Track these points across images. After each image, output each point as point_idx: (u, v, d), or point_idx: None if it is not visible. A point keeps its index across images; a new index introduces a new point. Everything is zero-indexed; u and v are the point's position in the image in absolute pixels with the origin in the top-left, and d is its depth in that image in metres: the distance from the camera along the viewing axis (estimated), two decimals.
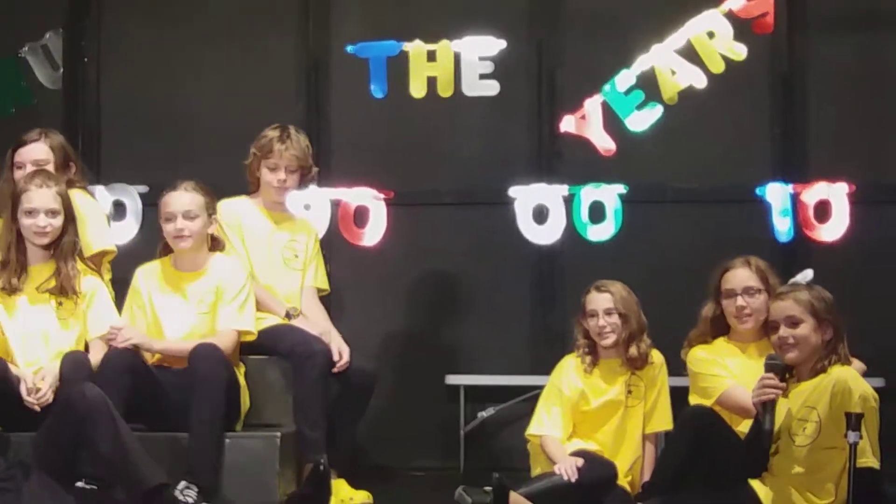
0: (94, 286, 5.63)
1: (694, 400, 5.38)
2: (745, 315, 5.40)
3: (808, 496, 4.82)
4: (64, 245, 5.58)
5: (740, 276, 5.44)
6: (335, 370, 5.81)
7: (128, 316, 5.70)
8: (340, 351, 5.83)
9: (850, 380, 4.82)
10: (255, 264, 6.02)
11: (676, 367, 5.66)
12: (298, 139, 6.09)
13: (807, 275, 5.04)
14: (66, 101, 7.55)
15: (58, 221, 5.58)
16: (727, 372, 5.35)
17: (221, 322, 5.63)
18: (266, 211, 6.12)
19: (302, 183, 6.17)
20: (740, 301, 5.40)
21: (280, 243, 6.11)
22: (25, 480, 5.17)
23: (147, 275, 5.74)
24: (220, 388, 5.38)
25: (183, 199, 5.65)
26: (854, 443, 4.53)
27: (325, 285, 6.27)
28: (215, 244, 5.79)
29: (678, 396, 5.68)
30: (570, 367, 5.71)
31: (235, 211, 6.06)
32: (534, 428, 5.68)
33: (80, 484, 5.19)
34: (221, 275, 5.68)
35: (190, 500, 5.18)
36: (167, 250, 5.78)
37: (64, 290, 5.55)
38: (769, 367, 4.86)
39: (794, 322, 4.92)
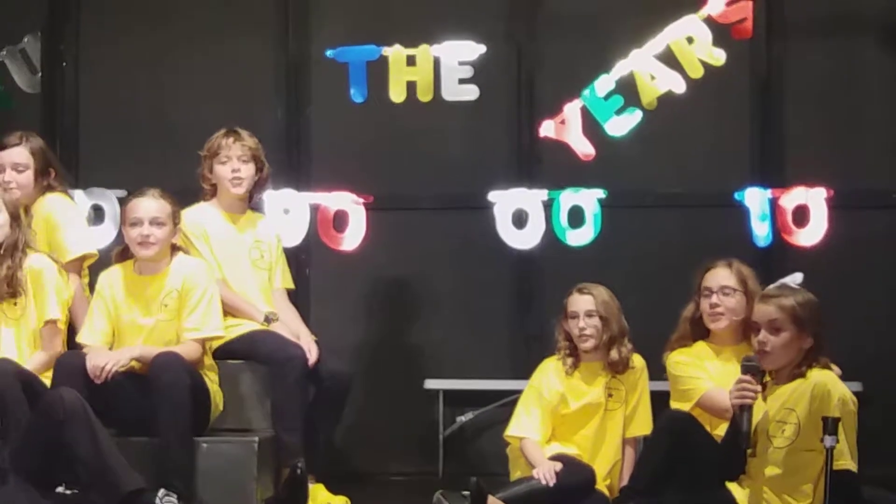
0: (40, 266, 5.60)
1: (675, 405, 5.39)
2: (717, 313, 5.42)
3: (786, 498, 4.82)
4: (5, 246, 5.57)
5: (719, 275, 5.47)
6: None
7: (90, 317, 5.65)
8: (310, 349, 5.83)
9: (830, 383, 4.82)
10: (224, 270, 6.02)
11: (656, 371, 5.67)
12: (246, 134, 6.12)
13: (796, 278, 5.02)
14: (44, 105, 7.52)
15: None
16: (706, 374, 5.36)
17: (187, 332, 5.60)
18: (226, 214, 6.12)
19: (258, 184, 6.15)
20: (714, 299, 5.42)
21: (246, 245, 6.11)
22: (2, 485, 5.14)
23: (111, 280, 5.69)
24: (185, 395, 5.36)
25: (151, 206, 5.62)
26: (830, 447, 4.54)
27: (291, 284, 6.30)
28: (175, 247, 5.75)
29: (658, 401, 5.69)
30: (550, 370, 5.72)
31: (199, 219, 6.05)
32: (512, 429, 5.68)
33: (60, 489, 5.20)
34: (184, 277, 5.63)
35: None
36: (124, 256, 5.73)
37: (13, 293, 5.55)
38: (746, 369, 4.86)
39: (775, 328, 4.90)
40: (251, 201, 6.22)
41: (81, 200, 6.73)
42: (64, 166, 6.40)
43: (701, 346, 5.48)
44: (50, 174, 6.04)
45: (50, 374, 5.47)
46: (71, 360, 5.44)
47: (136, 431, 5.45)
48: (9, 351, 5.54)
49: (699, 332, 5.50)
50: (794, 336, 4.89)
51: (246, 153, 6.06)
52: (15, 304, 5.58)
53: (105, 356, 5.41)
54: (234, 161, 6.05)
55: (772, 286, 5.05)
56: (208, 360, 5.73)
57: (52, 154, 6.19)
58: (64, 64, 7.59)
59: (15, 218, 5.62)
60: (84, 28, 7.62)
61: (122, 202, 6.76)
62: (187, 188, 6.20)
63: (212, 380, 5.70)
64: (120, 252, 5.77)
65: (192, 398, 5.40)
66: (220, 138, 6.09)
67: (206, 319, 5.63)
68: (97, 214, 6.87)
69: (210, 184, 6.13)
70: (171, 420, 5.34)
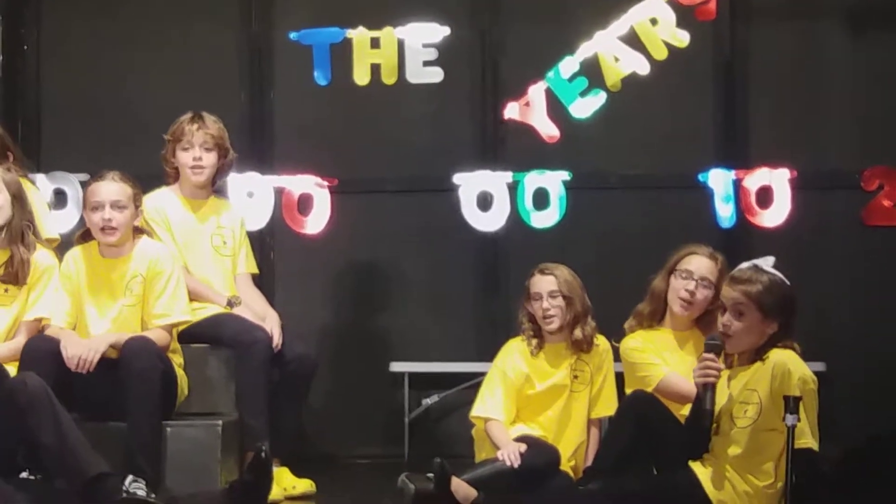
0: (47, 264, 5.57)
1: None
2: (688, 302, 5.44)
3: (748, 477, 4.84)
4: (12, 228, 5.51)
5: (704, 265, 5.47)
6: None
7: (53, 299, 5.58)
8: (272, 331, 5.81)
9: (791, 362, 4.83)
10: (186, 256, 5.98)
11: (619, 352, 5.67)
12: (211, 120, 6.05)
13: (767, 261, 4.99)
14: (5, 89, 7.47)
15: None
16: (662, 360, 5.38)
17: (156, 318, 5.58)
18: (186, 200, 6.07)
19: (221, 170, 6.11)
20: (692, 286, 5.43)
21: (208, 232, 6.07)
22: None
23: (76, 261, 5.65)
24: (156, 382, 5.35)
25: (111, 189, 5.56)
26: (792, 426, 4.55)
27: (255, 269, 6.26)
28: (138, 230, 5.71)
29: (623, 382, 5.69)
30: (514, 350, 5.72)
31: (160, 204, 6.01)
32: (477, 409, 5.67)
33: (24, 474, 5.18)
34: (150, 261, 5.60)
35: (141, 493, 5.14)
36: (86, 238, 5.68)
37: (16, 278, 5.49)
38: (709, 348, 4.87)
39: (738, 312, 4.89)
40: (214, 186, 6.18)
41: (43, 185, 6.69)
42: (25, 150, 6.37)
43: (663, 334, 5.50)
44: (9, 158, 5.98)
45: (15, 364, 5.42)
46: (39, 344, 5.39)
47: (101, 415, 5.43)
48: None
49: (664, 308, 5.51)
50: (758, 321, 4.86)
51: (209, 141, 6.00)
52: (7, 290, 5.52)
53: (83, 346, 5.35)
54: (196, 149, 6.00)
55: (744, 266, 4.97)
56: (173, 344, 5.71)
57: (11, 138, 6.13)
58: (25, 47, 7.55)
59: (17, 198, 5.55)
60: (45, 11, 7.58)
61: (85, 186, 6.76)
62: (150, 172, 6.17)
63: (177, 363, 5.68)
64: (82, 234, 5.72)
65: (162, 384, 5.38)
66: (185, 124, 6.02)
67: (174, 304, 5.61)
68: (59, 198, 6.84)
69: (172, 167, 6.08)
70: (141, 405, 5.31)
